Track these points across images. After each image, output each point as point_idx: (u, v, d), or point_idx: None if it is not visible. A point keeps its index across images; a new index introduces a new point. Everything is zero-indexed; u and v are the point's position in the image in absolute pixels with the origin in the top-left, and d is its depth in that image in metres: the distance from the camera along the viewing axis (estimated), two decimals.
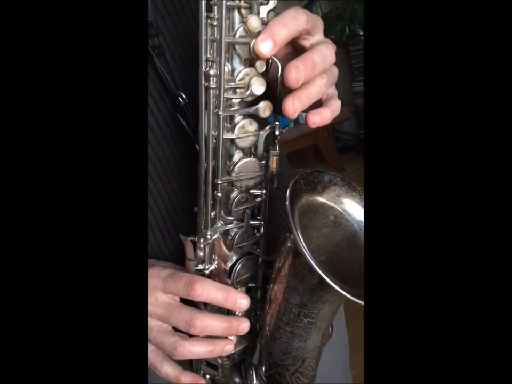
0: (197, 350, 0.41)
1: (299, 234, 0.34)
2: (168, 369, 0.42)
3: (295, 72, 0.33)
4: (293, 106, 0.34)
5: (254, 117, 0.37)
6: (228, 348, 0.43)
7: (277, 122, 0.38)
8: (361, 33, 2.62)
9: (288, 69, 0.33)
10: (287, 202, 0.34)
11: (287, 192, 0.35)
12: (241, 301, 0.41)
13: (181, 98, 0.42)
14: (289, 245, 0.38)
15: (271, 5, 0.35)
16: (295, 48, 0.39)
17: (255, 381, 0.46)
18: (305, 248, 0.33)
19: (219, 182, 0.38)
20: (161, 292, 0.41)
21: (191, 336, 0.42)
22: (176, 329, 0.43)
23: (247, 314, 0.46)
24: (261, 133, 0.39)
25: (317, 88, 0.35)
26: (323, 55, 0.35)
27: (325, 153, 2.38)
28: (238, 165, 0.38)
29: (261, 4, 0.35)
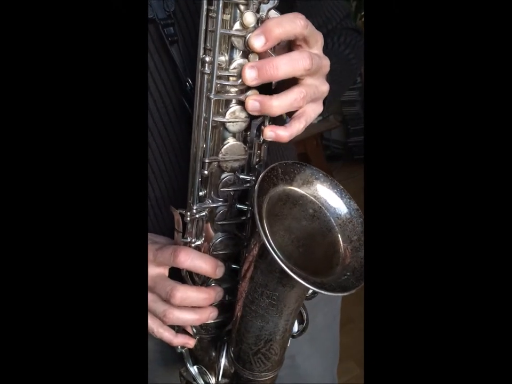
0: (184, 316, 0.45)
1: (262, 216, 0.36)
2: (165, 333, 0.47)
3: (248, 72, 0.36)
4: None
5: None
6: (213, 315, 0.47)
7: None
8: None
9: (243, 69, 0.36)
10: (256, 186, 0.37)
11: (259, 177, 0.38)
12: (219, 269, 0.45)
13: (188, 84, 0.46)
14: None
15: (270, 4, 0.38)
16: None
17: (224, 357, 0.49)
18: (263, 229, 0.36)
19: (206, 161, 0.41)
20: (153, 264, 0.45)
21: None
22: None
23: (228, 293, 0.49)
24: (253, 122, 0.42)
25: (290, 100, 0.37)
26: (294, 60, 0.36)
27: (314, 161, 2.39)
28: (225, 147, 0.41)
29: (261, 2, 0.38)
